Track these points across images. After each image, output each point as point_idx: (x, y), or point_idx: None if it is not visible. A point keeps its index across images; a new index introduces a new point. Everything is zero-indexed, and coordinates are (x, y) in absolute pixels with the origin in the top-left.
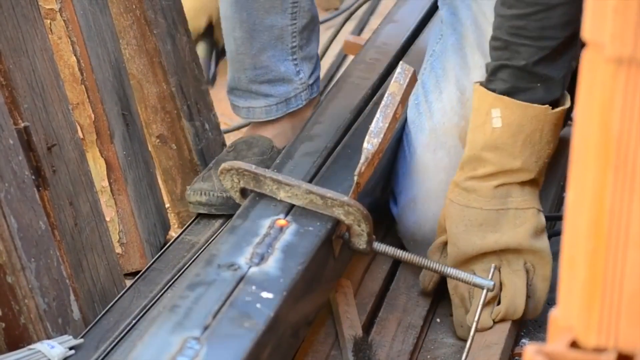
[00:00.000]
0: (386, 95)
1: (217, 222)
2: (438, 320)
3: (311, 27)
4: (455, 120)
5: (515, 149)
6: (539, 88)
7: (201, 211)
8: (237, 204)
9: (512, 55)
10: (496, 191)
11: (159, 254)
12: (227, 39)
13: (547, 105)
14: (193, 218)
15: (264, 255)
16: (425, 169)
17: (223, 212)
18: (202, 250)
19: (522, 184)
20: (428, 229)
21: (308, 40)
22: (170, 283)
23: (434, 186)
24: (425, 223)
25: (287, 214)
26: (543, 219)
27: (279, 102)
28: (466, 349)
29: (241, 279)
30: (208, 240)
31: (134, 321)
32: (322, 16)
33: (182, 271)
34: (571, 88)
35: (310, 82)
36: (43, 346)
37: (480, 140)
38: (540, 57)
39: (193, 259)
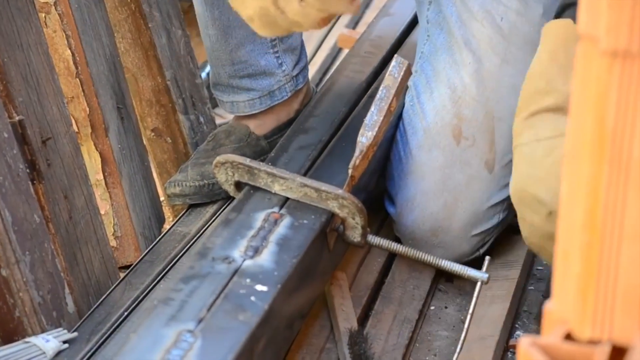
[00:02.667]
0: (381, 88)
1: (208, 213)
2: (433, 310)
3: None
4: (448, 119)
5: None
6: None
7: (176, 202)
8: (211, 191)
9: None
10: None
11: (151, 246)
12: (203, 36)
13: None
14: (185, 210)
15: (259, 248)
16: (421, 168)
17: (197, 201)
18: (193, 240)
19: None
20: (427, 227)
21: None
22: (161, 274)
23: (431, 185)
24: (423, 222)
25: (281, 207)
26: None
27: (262, 96)
28: (460, 341)
29: (235, 271)
30: (199, 231)
31: (125, 313)
32: None
33: (173, 262)
34: None
35: (295, 73)
36: (38, 340)
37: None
38: None
39: (184, 250)
